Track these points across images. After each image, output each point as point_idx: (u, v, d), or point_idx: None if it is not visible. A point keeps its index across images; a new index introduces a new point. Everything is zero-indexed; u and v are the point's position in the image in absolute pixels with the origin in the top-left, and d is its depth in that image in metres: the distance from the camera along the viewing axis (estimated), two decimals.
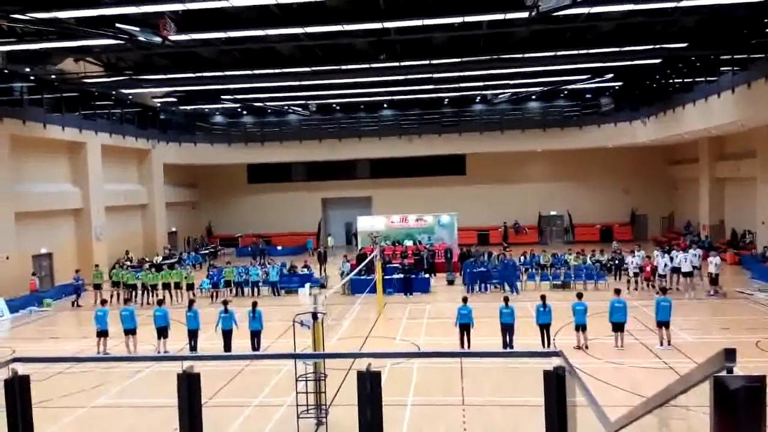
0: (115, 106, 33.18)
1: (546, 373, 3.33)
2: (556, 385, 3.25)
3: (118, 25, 17.10)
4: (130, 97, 33.71)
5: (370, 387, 3.47)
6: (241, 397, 12.77)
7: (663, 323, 15.29)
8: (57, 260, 27.72)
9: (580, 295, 16.21)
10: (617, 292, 16.41)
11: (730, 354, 1.76)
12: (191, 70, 26.14)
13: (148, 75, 27.07)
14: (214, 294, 24.47)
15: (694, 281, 22.17)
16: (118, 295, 24.57)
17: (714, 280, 21.53)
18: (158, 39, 17.55)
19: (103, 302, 18.26)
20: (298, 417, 10.68)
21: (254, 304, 16.57)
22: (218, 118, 43.31)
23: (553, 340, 15.99)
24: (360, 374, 3.44)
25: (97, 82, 27.46)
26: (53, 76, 26.44)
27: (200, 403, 3.68)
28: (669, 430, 2.86)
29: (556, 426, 3.19)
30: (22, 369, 3.80)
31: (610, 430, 2.89)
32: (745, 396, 1.68)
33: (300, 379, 10.94)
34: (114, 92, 31.69)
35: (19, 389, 3.74)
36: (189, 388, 3.67)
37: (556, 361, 3.35)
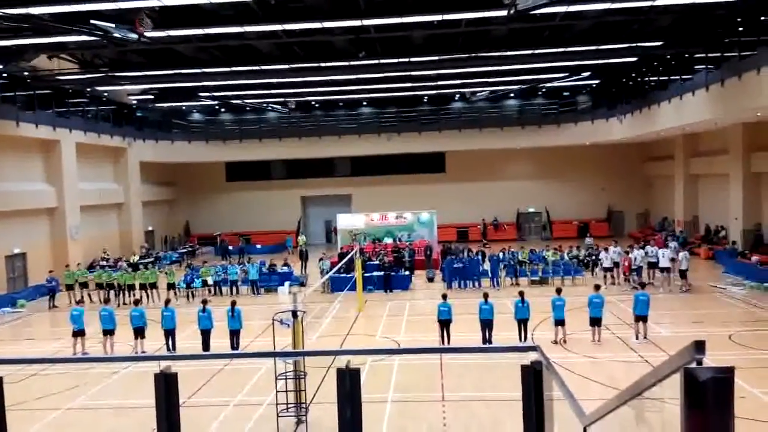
0: (90, 103, 32.63)
1: (523, 368, 3.36)
2: (533, 380, 3.28)
3: (93, 21, 16.82)
4: (106, 94, 33.21)
5: (349, 384, 3.47)
6: (221, 396, 12.69)
7: (641, 317, 15.53)
8: (31, 260, 27.22)
9: (559, 291, 16.40)
10: (597, 288, 16.59)
11: (699, 346, 1.80)
12: (168, 67, 25.82)
13: (124, 72, 26.68)
14: (190, 294, 24.21)
15: (670, 276, 22.56)
16: (90, 295, 24.21)
17: (682, 274, 21.91)
18: (134, 36, 17.31)
19: (78, 302, 18.03)
20: (278, 415, 10.65)
21: (233, 303, 16.47)
22: (196, 116, 42.86)
23: (531, 335, 16.14)
24: (339, 371, 3.43)
25: (71, 79, 27.00)
26: (26, 73, 25.93)
27: (178, 403, 3.65)
28: (643, 422, 2.91)
29: (533, 419, 3.22)
30: None
31: (585, 423, 2.93)
32: (715, 387, 1.71)
33: (280, 377, 10.90)
34: (89, 90, 31.20)
35: None
36: (166, 388, 3.64)
37: (533, 356, 3.38)
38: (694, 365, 1.77)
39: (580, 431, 3.07)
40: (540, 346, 3.44)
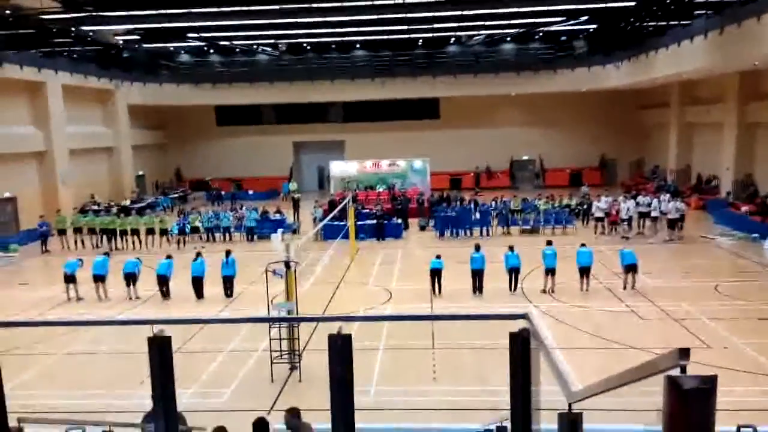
0: (76, 44, 31.75)
1: (512, 335, 3.40)
2: (521, 347, 3.33)
3: None
4: (91, 34, 32.25)
5: (341, 349, 3.51)
6: (216, 342, 12.91)
7: (630, 267, 15.69)
8: (21, 205, 27.07)
9: (549, 242, 16.55)
10: (582, 245, 16.58)
11: (683, 353, 1.82)
12: (154, 6, 25.01)
13: (109, 12, 25.83)
14: (181, 240, 24.19)
15: (657, 226, 22.79)
16: (83, 241, 24.15)
17: (672, 224, 22.09)
18: None
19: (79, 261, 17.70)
20: (272, 362, 10.90)
21: (228, 252, 16.58)
22: (184, 57, 41.81)
23: (521, 284, 16.36)
24: (331, 337, 3.47)
25: (56, 18, 26.14)
26: (8, 12, 25.08)
27: (172, 366, 3.70)
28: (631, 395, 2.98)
29: (519, 387, 3.29)
30: None
31: (571, 400, 3.00)
32: (697, 396, 1.75)
33: (273, 325, 11.09)
34: (74, 29, 30.26)
35: None
36: (160, 351, 3.68)
37: (522, 323, 3.41)
38: (677, 372, 1.80)
39: (566, 405, 3.15)
40: (529, 314, 3.47)
